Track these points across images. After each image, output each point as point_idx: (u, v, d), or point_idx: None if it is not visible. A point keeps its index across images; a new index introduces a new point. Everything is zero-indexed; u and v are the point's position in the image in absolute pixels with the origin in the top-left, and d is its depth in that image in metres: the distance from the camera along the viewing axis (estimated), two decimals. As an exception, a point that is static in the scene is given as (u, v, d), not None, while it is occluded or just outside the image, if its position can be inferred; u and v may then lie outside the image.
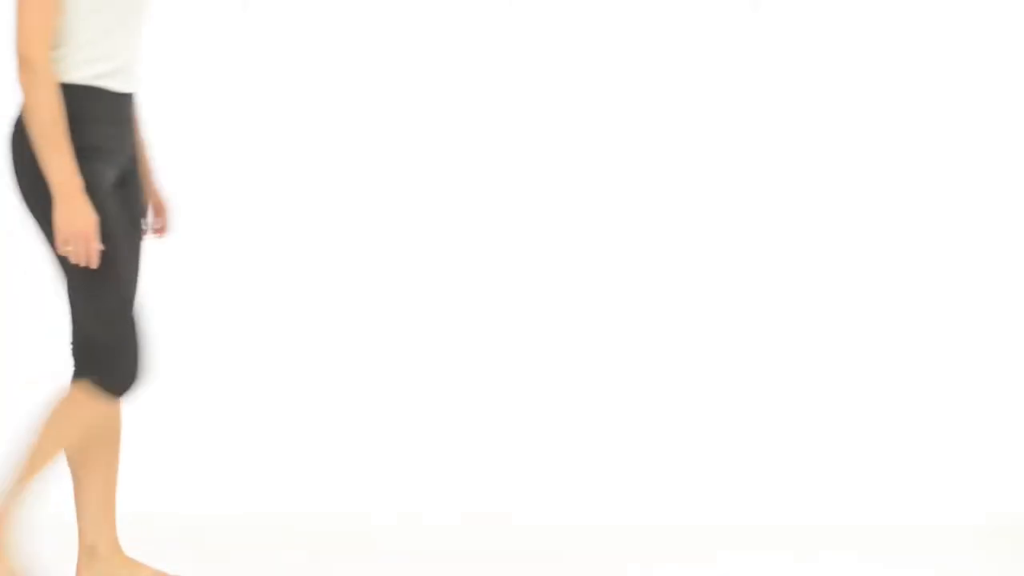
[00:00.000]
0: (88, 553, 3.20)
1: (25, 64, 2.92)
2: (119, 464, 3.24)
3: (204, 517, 4.25)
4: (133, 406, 3.72)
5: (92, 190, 3.01)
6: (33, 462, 3.07)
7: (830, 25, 4.71)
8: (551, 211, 4.74)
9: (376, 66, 4.75)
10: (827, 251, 4.72)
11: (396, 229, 4.74)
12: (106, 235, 3.01)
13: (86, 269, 2.99)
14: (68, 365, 3.20)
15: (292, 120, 4.72)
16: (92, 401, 3.05)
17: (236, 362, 4.69)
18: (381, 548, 3.97)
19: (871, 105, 4.72)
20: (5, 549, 3.08)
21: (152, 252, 3.59)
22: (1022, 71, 4.70)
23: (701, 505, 4.46)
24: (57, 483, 4.29)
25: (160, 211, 3.37)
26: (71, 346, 3.12)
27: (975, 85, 4.72)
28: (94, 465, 3.20)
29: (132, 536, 3.57)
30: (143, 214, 3.28)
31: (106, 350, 3.02)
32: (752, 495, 4.50)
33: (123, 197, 3.19)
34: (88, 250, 2.95)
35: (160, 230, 3.39)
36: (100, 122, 3.04)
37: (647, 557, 3.90)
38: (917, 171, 4.72)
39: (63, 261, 3.02)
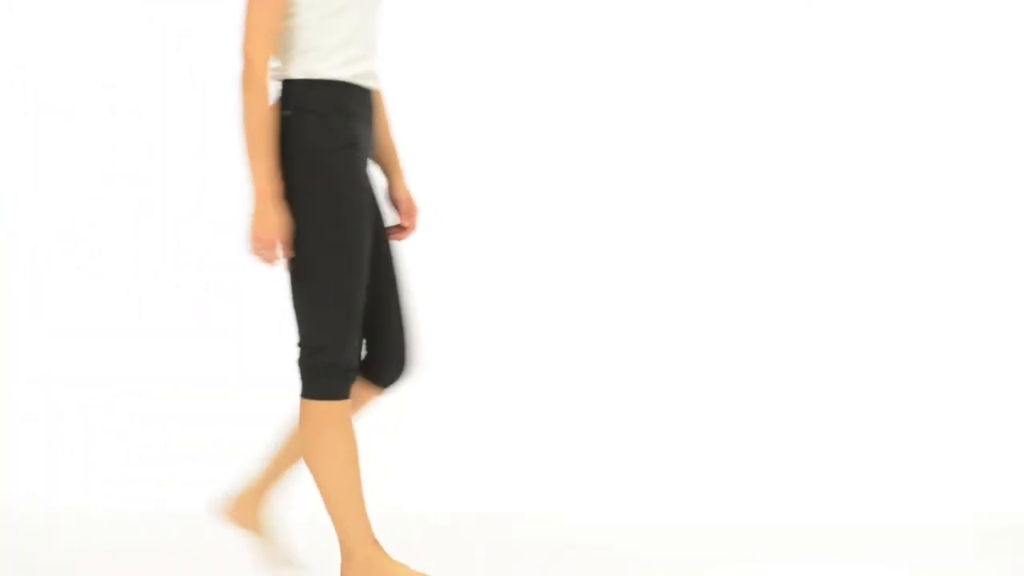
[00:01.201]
0: (255, 491, 3.30)
1: (246, 62, 3.00)
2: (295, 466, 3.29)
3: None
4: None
5: (355, 187, 3.04)
6: (334, 508, 3.11)
7: (882, 21, 4.70)
8: (596, 209, 4.78)
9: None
10: (829, 255, 4.73)
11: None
12: (361, 233, 3.04)
13: (327, 270, 3.01)
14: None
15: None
16: (330, 414, 3.07)
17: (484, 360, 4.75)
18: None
19: (923, 100, 4.70)
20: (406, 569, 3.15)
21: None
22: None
23: (700, 505, 4.47)
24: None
25: (410, 212, 3.37)
26: (299, 357, 3.10)
27: (1006, 86, 4.72)
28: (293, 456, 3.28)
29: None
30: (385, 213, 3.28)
31: (334, 358, 3.05)
32: (751, 495, 4.51)
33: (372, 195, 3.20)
34: (272, 256, 3.00)
35: (407, 229, 3.37)
36: (360, 119, 3.10)
37: (646, 557, 3.91)
38: (927, 171, 4.72)
39: (305, 267, 3.03)
